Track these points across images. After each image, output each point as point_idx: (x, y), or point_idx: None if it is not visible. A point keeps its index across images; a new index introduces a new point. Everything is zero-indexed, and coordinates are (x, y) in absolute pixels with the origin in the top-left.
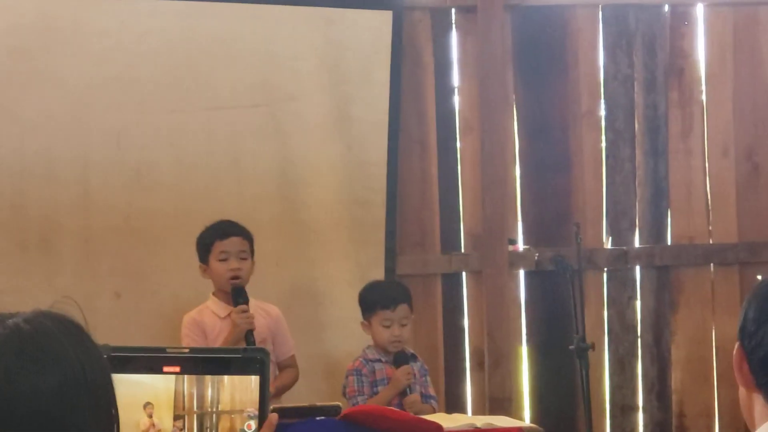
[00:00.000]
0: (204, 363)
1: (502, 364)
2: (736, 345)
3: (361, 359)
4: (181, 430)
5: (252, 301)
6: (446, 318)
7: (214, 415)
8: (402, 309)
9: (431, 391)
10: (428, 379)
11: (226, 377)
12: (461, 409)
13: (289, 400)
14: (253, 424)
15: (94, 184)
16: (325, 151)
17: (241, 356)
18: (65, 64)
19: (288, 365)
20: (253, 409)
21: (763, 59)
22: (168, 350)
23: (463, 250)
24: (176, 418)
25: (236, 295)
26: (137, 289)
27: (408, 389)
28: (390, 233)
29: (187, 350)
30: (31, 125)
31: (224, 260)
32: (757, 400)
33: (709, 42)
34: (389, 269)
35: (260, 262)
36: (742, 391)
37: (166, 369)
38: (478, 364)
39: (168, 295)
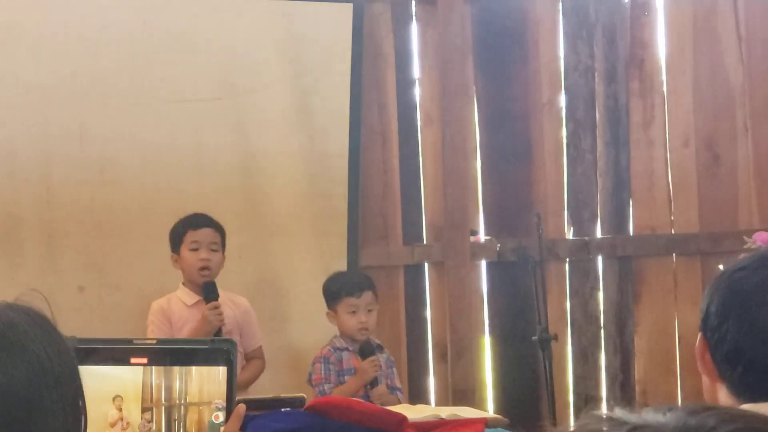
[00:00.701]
0: (171, 354)
1: (464, 355)
2: (699, 336)
3: (329, 347)
4: (149, 422)
5: (221, 293)
6: (409, 309)
7: (182, 407)
8: (367, 295)
9: (397, 383)
10: (394, 371)
11: (194, 368)
12: (425, 401)
13: (253, 392)
14: (221, 415)
15: (56, 179)
16: (287, 144)
17: (208, 347)
18: (26, 58)
19: (254, 357)
20: (220, 400)
21: (722, 50)
22: (135, 341)
23: (425, 242)
24: (144, 410)
25: (207, 291)
26: (100, 283)
27: (376, 380)
28: (352, 225)
29: (154, 341)
30: None
31: (195, 250)
32: (721, 389)
33: (669, 32)
34: (352, 261)
35: None
36: (705, 380)
37: (133, 360)
38: (441, 355)
39: (131, 289)
